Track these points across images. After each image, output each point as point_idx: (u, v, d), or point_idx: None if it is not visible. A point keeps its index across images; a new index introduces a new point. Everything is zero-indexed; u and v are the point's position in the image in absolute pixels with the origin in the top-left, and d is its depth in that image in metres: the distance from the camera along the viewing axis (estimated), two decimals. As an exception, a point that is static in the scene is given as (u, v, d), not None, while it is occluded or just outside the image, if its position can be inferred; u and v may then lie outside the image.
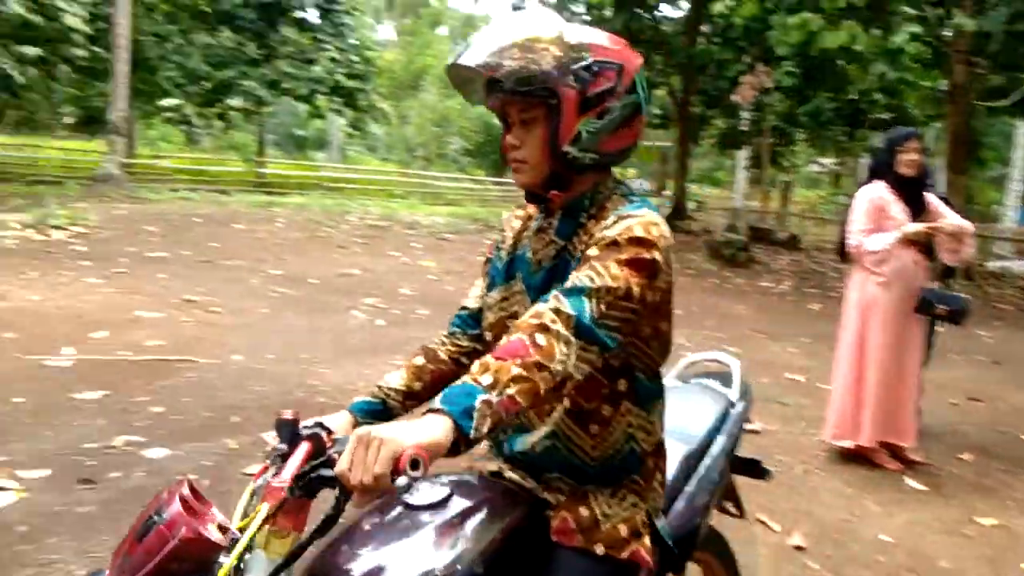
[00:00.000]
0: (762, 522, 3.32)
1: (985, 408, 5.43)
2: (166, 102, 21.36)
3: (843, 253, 4.09)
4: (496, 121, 1.44)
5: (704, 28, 15.63)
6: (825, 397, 5.21)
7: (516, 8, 15.97)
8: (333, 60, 21.96)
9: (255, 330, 6.06)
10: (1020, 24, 9.84)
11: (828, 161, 33.99)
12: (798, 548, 3.12)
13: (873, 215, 3.88)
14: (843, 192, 35.01)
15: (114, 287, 7.11)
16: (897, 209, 3.87)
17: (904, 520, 3.47)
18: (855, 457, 4.09)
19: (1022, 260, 14.83)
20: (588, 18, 16.44)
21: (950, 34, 10.88)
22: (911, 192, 3.92)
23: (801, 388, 5.51)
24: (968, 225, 3.88)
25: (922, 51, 11.47)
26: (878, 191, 3.91)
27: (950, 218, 3.86)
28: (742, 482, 2.12)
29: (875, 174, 4.00)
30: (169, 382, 4.55)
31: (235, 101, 21.47)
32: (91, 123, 25.73)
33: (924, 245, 3.91)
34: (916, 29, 9.56)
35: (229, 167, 24.36)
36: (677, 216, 17.53)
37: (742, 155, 24.55)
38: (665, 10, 16.84)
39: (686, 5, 15.80)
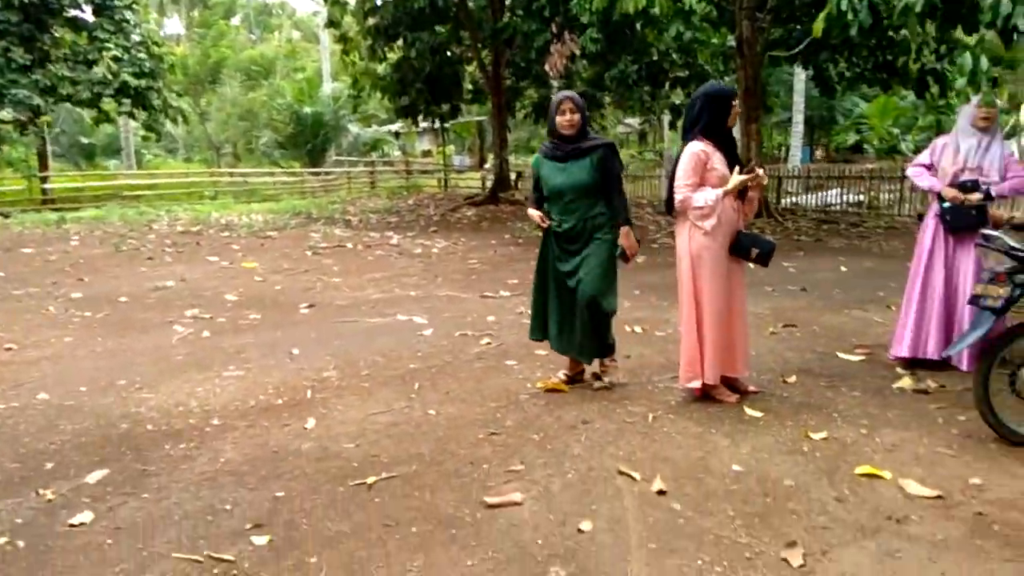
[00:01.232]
0: (624, 473, 3.40)
1: (801, 332, 5.90)
2: (-81, 121, 18.69)
3: (670, 207, 4.24)
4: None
5: (508, 2, 15.78)
6: (663, 345, 5.47)
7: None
8: (116, 59, 20.12)
9: (61, 362, 5.43)
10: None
11: (634, 121, 35.75)
12: (660, 493, 3.22)
13: (698, 169, 4.04)
14: (650, 149, 37.09)
15: None
16: (717, 159, 4.07)
17: (749, 448, 3.68)
18: (699, 396, 4.30)
19: (810, 195, 16.34)
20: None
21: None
22: (729, 144, 4.15)
23: (641, 339, 5.73)
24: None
25: (710, 11, 12.23)
26: (700, 145, 4.08)
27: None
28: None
29: (695, 128, 4.13)
30: (-40, 436, 3.96)
31: (4, 113, 19.16)
32: None
33: (739, 192, 4.13)
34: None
35: (6, 186, 21.83)
36: (502, 187, 17.73)
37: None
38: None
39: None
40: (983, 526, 2.94)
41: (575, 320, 4.40)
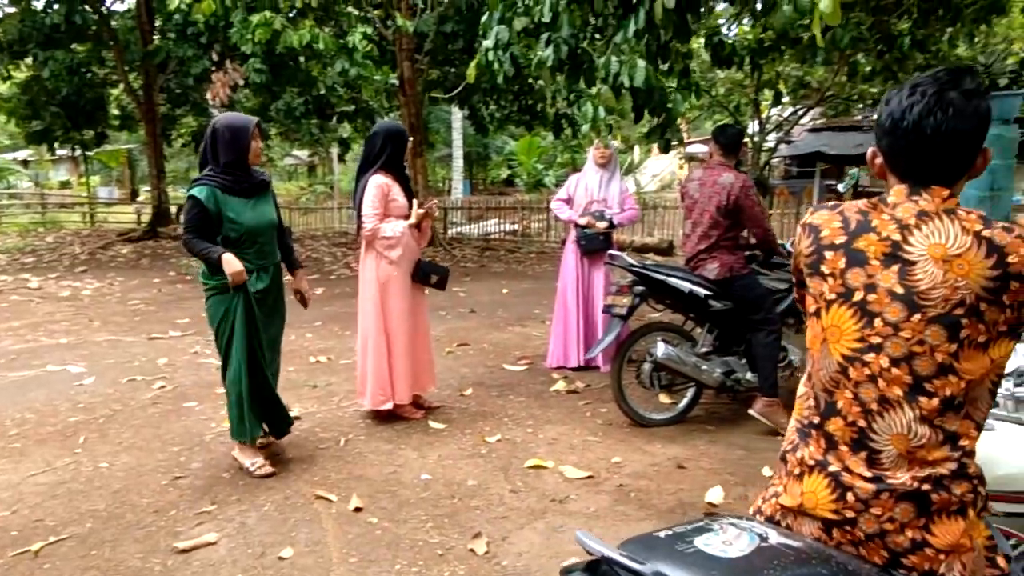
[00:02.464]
0: (321, 497, 3.49)
1: (473, 350, 6.48)
2: None
3: (358, 232, 4.48)
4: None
5: (159, 23, 14.76)
6: (349, 372, 5.63)
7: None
8: None
9: None
10: (447, 26, 11.61)
11: (303, 153, 35.39)
12: (357, 510, 3.38)
13: (382, 200, 4.29)
14: (320, 181, 37.01)
15: None
16: (397, 191, 4.36)
17: (436, 457, 4.00)
18: (387, 416, 4.54)
19: (473, 224, 17.72)
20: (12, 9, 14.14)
21: (392, 35, 12.28)
22: (405, 177, 4.49)
23: (327, 368, 5.82)
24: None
25: (371, 49, 12.73)
26: (383, 178, 4.33)
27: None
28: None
29: (374, 163, 4.37)
30: None
31: None
32: None
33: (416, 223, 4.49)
34: (367, 29, 10.56)
35: None
36: (161, 222, 16.44)
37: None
38: (114, 4, 15.44)
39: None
40: (623, 495, 3.57)
41: (274, 390, 3.91)
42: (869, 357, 1.36)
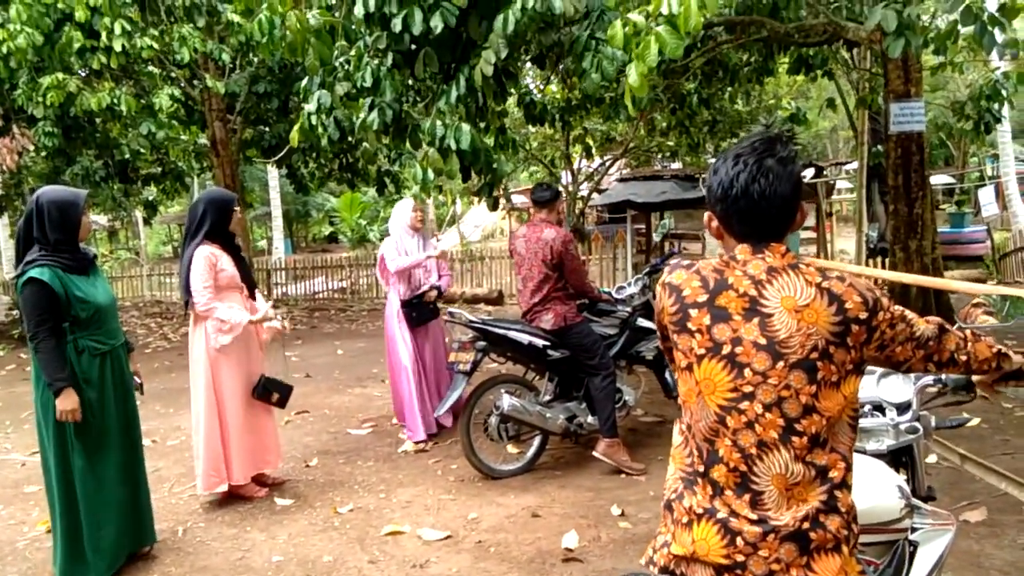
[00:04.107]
0: (163, 597, 3.24)
1: (313, 416, 6.27)
2: None
3: (187, 307, 4.23)
4: None
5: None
6: (179, 454, 5.27)
7: None
8: None
9: None
10: (259, 85, 11.38)
11: (103, 218, 32.85)
12: (205, 605, 3.17)
13: (210, 271, 4.09)
14: (124, 247, 34.47)
15: None
16: (226, 261, 4.18)
17: (286, 536, 3.84)
18: (227, 499, 4.29)
19: (298, 283, 17.21)
20: None
21: (200, 95, 11.84)
22: (233, 246, 4.31)
23: (155, 451, 5.39)
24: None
25: (177, 108, 12.19)
26: (210, 248, 4.14)
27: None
28: None
29: (199, 232, 4.17)
30: None
31: None
32: None
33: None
34: (173, 90, 10.12)
35: None
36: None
37: (2, 223, 21.84)
38: None
39: None
40: (483, 551, 3.61)
41: (145, 498, 3.65)
42: (744, 405, 1.48)
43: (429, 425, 5.40)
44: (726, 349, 1.50)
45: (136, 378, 3.70)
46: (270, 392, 4.35)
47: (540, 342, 4.54)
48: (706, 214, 1.63)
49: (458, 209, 32.82)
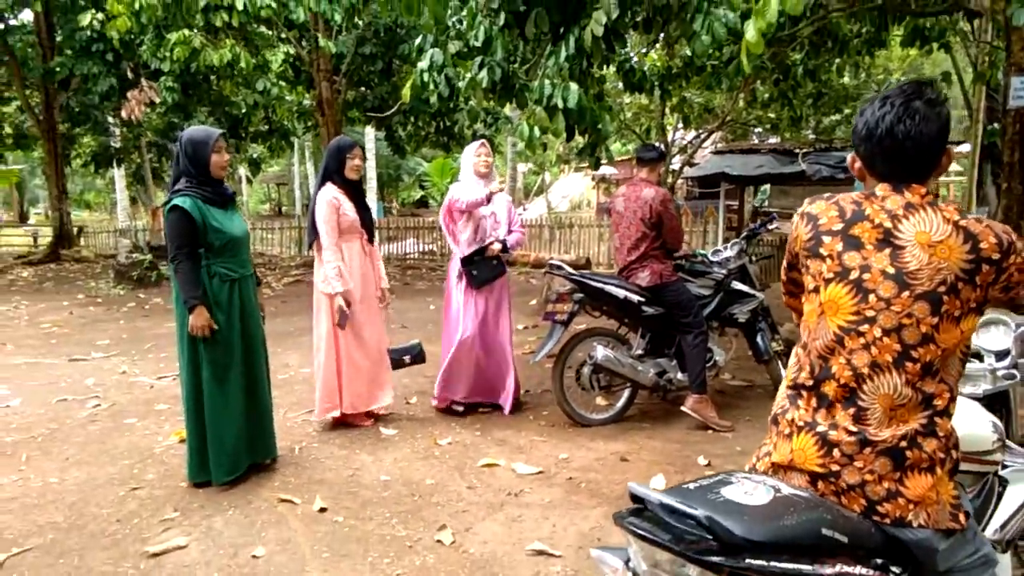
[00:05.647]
0: (284, 500, 3.58)
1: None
2: None
3: (311, 247, 4.58)
4: None
5: (60, 39, 14.24)
6: (289, 386, 5.67)
7: None
8: None
9: None
10: (366, 47, 11.73)
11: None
12: (322, 510, 3.49)
13: (333, 214, 4.41)
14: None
15: None
16: (348, 207, 4.49)
17: (391, 460, 4.14)
18: (337, 425, 4.64)
19: (391, 244, 17.73)
20: None
21: (309, 55, 12.31)
22: (357, 192, 4.61)
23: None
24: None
25: (286, 69, 12.72)
26: (332, 192, 4.45)
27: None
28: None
29: (326, 178, 4.52)
30: None
31: None
32: None
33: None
34: (288, 49, 10.57)
35: None
36: (64, 244, 15.74)
37: (119, 174, 23.23)
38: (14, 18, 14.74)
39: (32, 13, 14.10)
40: (574, 487, 3.80)
41: (267, 417, 3.98)
42: (864, 328, 1.58)
43: (442, 400, 4.99)
44: (854, 275, 1.59)
45: (260, 311, 4.02)
46: (400, 359, 4.79)
47: (636, 297, 4.67)
48: (849, 155, 1.70)
49: (547, 179, 32.90)
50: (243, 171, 27.34)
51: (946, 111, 1.59)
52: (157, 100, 10.66)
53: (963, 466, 1.85)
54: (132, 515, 3.43)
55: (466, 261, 4.82)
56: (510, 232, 5.03)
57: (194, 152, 3.63)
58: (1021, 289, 1.58)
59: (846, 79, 11.34)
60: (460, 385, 4.97)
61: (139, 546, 3.13)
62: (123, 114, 10.37)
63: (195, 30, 9.61)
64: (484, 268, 4.84)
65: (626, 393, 4.89)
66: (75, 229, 17.00)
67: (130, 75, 11.09)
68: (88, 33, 10.22)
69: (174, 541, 3.16)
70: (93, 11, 9.86)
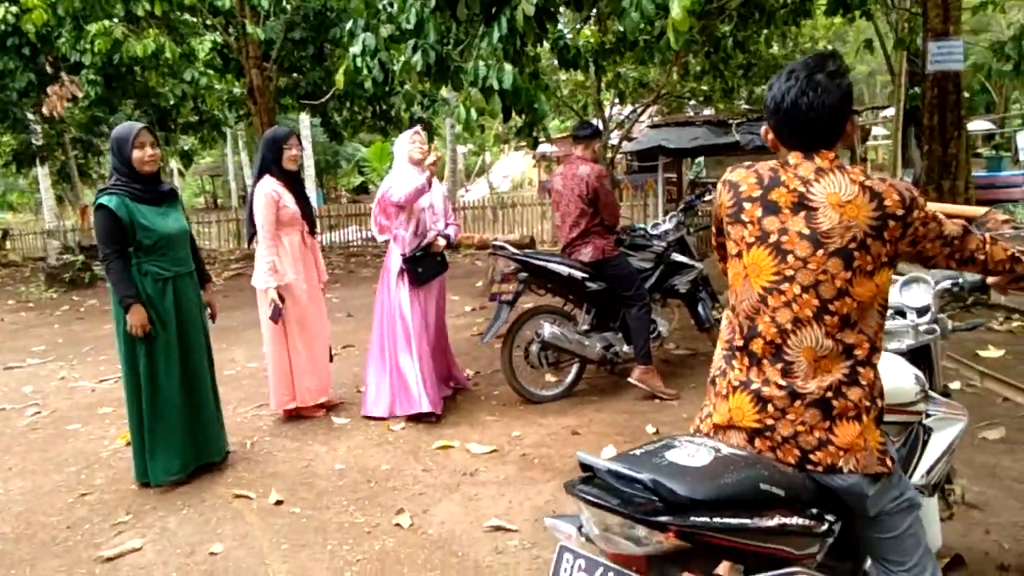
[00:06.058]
0: (240, 496, 3.57)
1: (357, 350, 6.58)
2: None
3: (250, 241, 4.53)
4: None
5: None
6: (236, 382, 5.61)
7: None
8: None
9: None
10: (295, 32, 11.50)
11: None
12: (279, 503, 3.49)
13: (272, 207, 4.35)
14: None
15: None
16: (288, 199, 4.43)
17: (345, 448, 4.15)
18: (288, 418, 4.62)
19: (332, 233, 17.52)
20: None
21: (237, 43, 12.00)
22: (296, 183, 4.55)
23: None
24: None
25: (213, 57, 12.39)
26: (271, 185, 4.39)
27: None
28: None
29: (264, 170, 4.45)
30: None
31: None
32: None
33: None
34: (215, 38, 10.30)
35: None
36: (-14, 248, 15.10)
37: (43, 172, 22.32)
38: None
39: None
40: (528, 463, 3.88)
41: (211, 415, 3.91)
42: (784, 287, 1.68)
43: (436, 403, 4.56)
44: (773, 238, 1.69)
45: (211, 306, 4.00)
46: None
47: (579, 274, 4.75)
48: (763, 127, 1.80)
49: (487, 159, 32.82)
50: (175, 164, 26.53)
51: (847, 82, 1.69)
52: (79, 95, 10.29)
53: (889, 417, 1.96)
54: (83, 521, 3.37)
55: (410, 259, 4.60)
56: (447, 225, 4.85)
57: (118, 149, 3.57)
58: (927, 243, 1.69)
59: (775, 49, 11.59)
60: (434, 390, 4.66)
61: (92, 551, 3.09)
62: (44, 110, 9.99)
63: (116, 20, 9.30)
64: (429, 265, 4.65)
65: (574, 368, 4.98)
66: (0, 232, 16.33)
67: (49, 70, 10.65)
68: (2, 27, 9.78)
69: (128, 544, 3.13)
70: (7, 4, 9.44)
